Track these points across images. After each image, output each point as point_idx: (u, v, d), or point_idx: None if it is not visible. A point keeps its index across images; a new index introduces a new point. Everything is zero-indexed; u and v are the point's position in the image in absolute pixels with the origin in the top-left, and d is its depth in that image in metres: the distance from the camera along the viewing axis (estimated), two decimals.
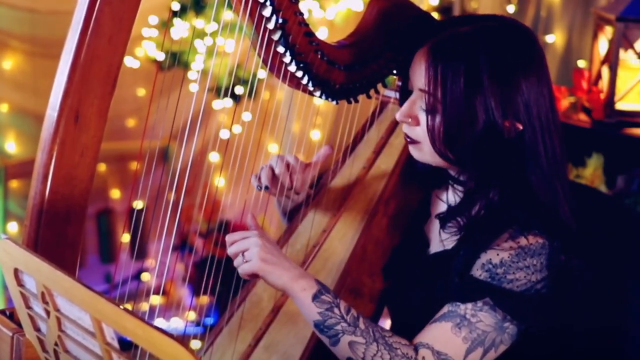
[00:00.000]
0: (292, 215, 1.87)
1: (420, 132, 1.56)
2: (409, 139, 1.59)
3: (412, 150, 1.61)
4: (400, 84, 1.68)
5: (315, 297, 1.48)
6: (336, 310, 1.48)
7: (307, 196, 1.84)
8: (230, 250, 1.52)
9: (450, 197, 1.65)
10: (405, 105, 1.57)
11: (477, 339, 1.48)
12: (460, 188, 1.61)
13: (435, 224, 1.66)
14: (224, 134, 3.28)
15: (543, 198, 1.53)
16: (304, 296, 1.48)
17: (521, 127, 1.51)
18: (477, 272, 1.51)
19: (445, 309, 1.51)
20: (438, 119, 1.52)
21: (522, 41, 1.55)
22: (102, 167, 3.60)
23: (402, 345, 1.48)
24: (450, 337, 1.49)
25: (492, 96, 1.49)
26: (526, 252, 1.50)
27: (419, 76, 1.54)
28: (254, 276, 1.52)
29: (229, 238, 1.53)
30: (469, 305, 1.49)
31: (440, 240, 1.63)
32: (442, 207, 1.67)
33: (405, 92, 1.62)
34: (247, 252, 1.50)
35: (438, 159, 1.56)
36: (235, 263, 1.52)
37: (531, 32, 1.58)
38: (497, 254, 1.50)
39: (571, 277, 1.54)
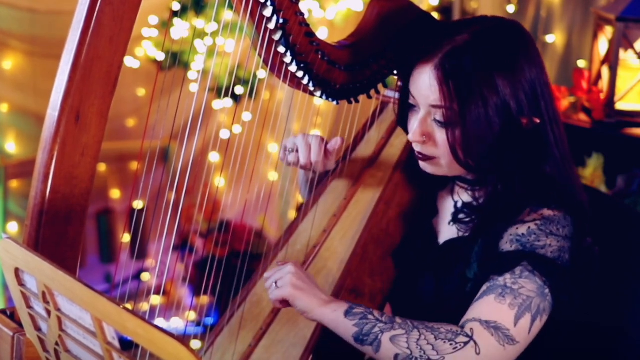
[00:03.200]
0: (311, 187, 1.87)
1: (436, 148, 1.56)
2: (422, 156, 1.59)
3: (427, 166, 1.60)
4: (399, 97, 1.66)
5: (347, 313, 1.49)
6: (370, 316, 1.48)
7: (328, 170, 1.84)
8: (267, 284, 1.56)
9: (457, 196, 1.66)
10: (417, 125, 1.56)
11: (524, 304, 1.47)
12: (465, 186, 1.62)
13: (444, 219, 1.67)
14: (224, 134, 3.28)
15: (559, 183, 1.55)
16: (336, 316, 1.49)
17: (538, 120, 1.53)
18: (507, 245, 1.51)
19: (484, 286, 1.50)
20: (457, 131, 1.52)
21: (517, 36, 1.56)
22: (102, 167, 3.60)
23: (444, 325, 1.47)
24: (495, 307, 1.47)
25: (508, 95, 1.50)
26: (551, 220, 1.51)
27: (428, 93, 1.53)
28: (285, 303, 1.54)
29: (266, 274, 1.58)
30: (508, 275, 1.48)
31: (451, 231, 1.64)
32: (450, 204, 1.68)
33: (405, 106, 1.62)
34: (280, 280, 1.53)
35: (455, 170, 1.57)
36: (269, 292, 1.55)
37: (520, 25, 1.59)
38: (523, 224, 1.51)
39: (593, 261, 1.54)
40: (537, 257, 1.48)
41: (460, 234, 1.62)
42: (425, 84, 1.53)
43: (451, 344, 1.44)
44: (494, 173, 1.57)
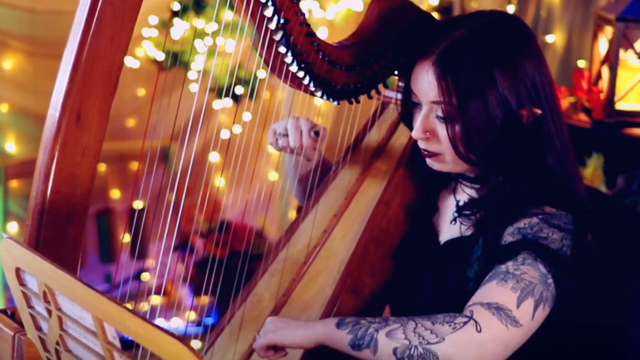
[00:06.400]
0: (306, 185, 1.86)
1: (440, 144, 1.56)
2: (427, 153, 1.59)
3: (432, 163, 1.60)
4: (401, 95, 1.66)
5: (339, 325, 1.47)
6: (363, 321, 1.47)
7: (316, 165, 1.85)
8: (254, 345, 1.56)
9: (460, 194, 1.66)
10: (420, 121, 1.56)
11: (526, 289, 1.43)
12: (468, 184, 1.63)
13: (445, 217, 1.67)
14: (225, 134, 3.28)
15: (560, 176, 1.55)
16: (329, 329, 1.47)
17: (539, 112, 1.54)
18: (509, 237, 1.50)
19: (487, 277, 1.48)
20: (457, 126, 1.52)
21: (515, 28, 1.57)
22: (102, 167, 3.60)
23: (441, 314, 1.44)
24: (497, 290, 1.43)
25: (506, 88, 1.51)
26: (553, 215, 1.50)
27: (428, 89, 1.54)
28: (271, 351, 1.53)
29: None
30: (510, 263, 1.46)
31: (452, 230, 1.63)
32: (451, 203, 1.68)
33: (408, 105, 1.62)
34: (261, 330, 1.54)
35: (460, 165, 1.57)
36: (254, 347, 1.56)
37: (518, 18, 1.60)
38: (526, 219, 1.50)
39: (594, 258, 1.54)
40: (539, 246, 1.47)
41: (461, 232, 1.62)
42: (425, 81, 1.54)
43: (450, 325, 1.40)
44: (497, 167, 1.56)
